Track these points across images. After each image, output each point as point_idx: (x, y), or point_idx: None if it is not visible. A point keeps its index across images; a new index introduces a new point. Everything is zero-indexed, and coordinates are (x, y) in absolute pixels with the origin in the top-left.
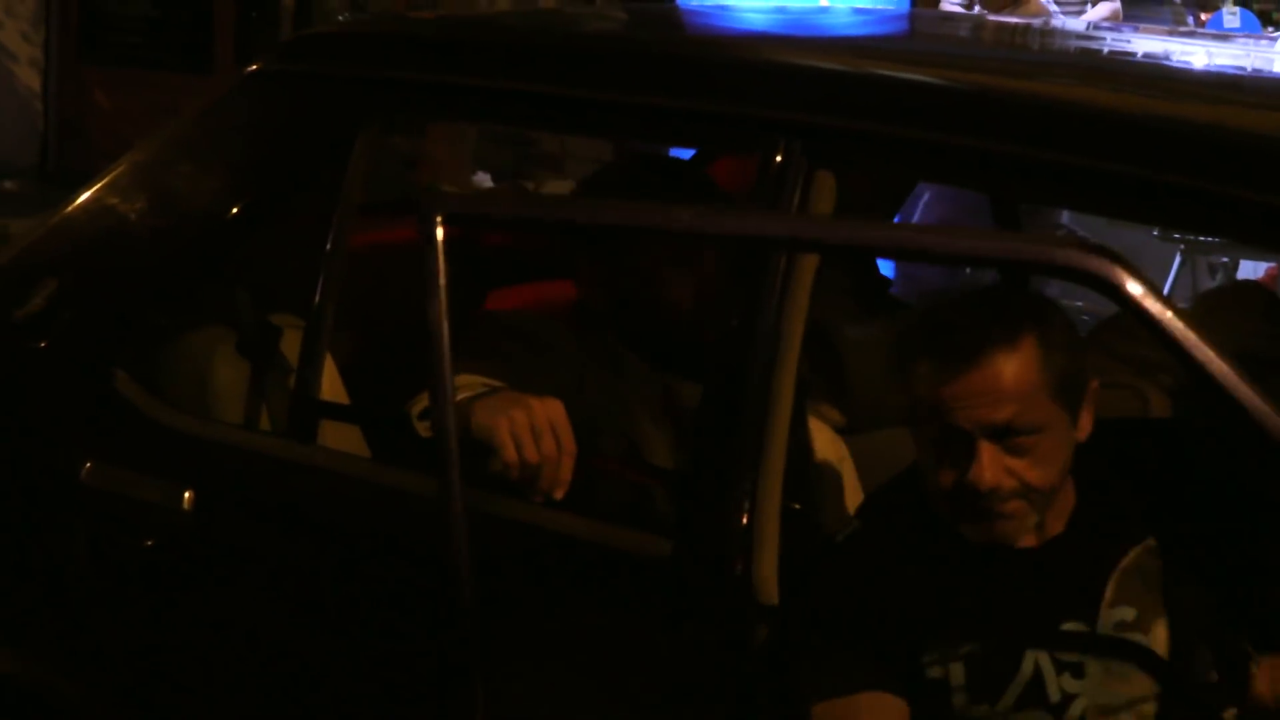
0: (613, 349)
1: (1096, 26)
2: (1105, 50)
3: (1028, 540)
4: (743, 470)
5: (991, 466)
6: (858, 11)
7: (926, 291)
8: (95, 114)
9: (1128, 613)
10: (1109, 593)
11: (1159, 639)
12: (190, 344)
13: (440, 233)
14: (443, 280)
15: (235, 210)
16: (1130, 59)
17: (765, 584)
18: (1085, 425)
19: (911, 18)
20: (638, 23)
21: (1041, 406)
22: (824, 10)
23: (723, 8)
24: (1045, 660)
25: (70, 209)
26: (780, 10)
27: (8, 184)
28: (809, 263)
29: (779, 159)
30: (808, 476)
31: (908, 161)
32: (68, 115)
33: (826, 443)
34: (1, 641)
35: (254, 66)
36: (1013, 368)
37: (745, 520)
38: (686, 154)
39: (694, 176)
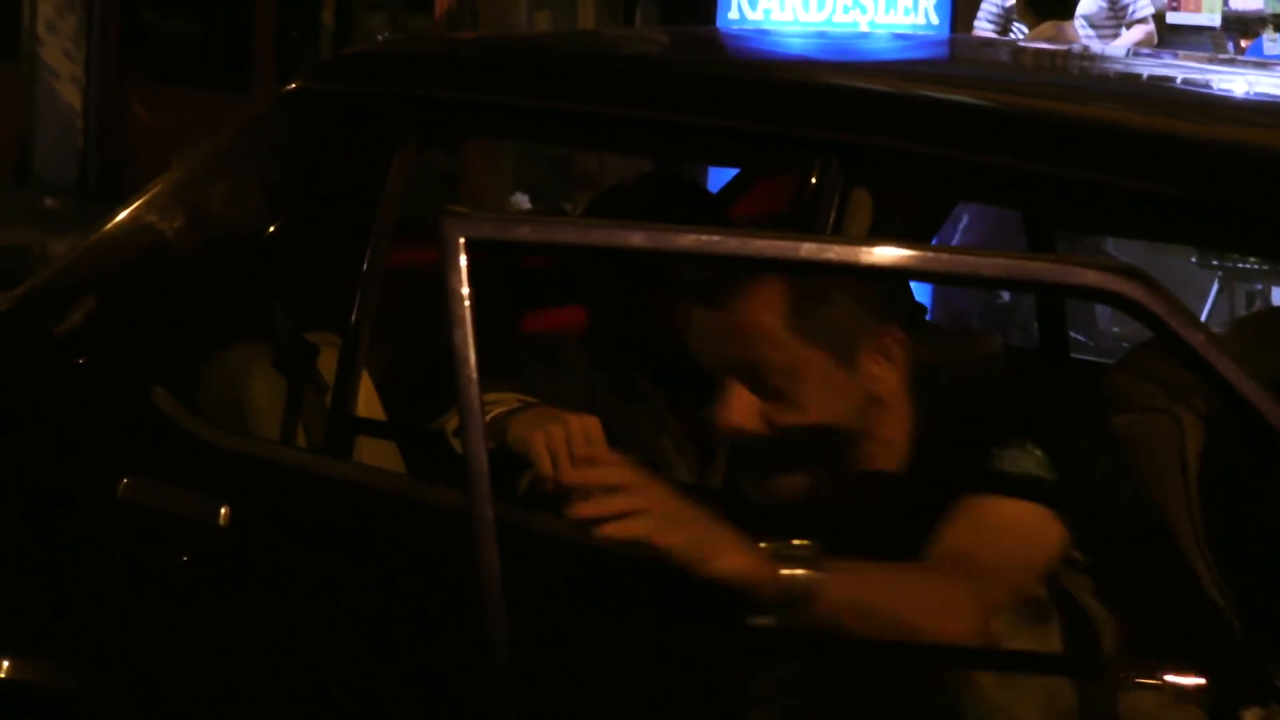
0: (624, 371)
1: (1138, 53)
2: (1145, 75)
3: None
4: None
5: (740, 408)
6: (897, 36)
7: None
8: (135, 131)
9: None
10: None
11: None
12: (227, 360)
13: (464, 259)
14: (468, 305)
15: (273, 228)
16: (1170, 83)
17: None
18: (876, 375)
19: (950, 42)
20: (676, 43)
21: (790, 349)
22: (864, 35)
23: (762, 30)
24: None
25: (108, 227)
26: (820, 34)
27: (48, 201)
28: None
29: (814, 178)
30: None
31: (946, 181)
32: (108, 132)
33: None
34: (38, 654)
35: (293, 85)
36: (754, 308)
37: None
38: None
39: (698, 195)
